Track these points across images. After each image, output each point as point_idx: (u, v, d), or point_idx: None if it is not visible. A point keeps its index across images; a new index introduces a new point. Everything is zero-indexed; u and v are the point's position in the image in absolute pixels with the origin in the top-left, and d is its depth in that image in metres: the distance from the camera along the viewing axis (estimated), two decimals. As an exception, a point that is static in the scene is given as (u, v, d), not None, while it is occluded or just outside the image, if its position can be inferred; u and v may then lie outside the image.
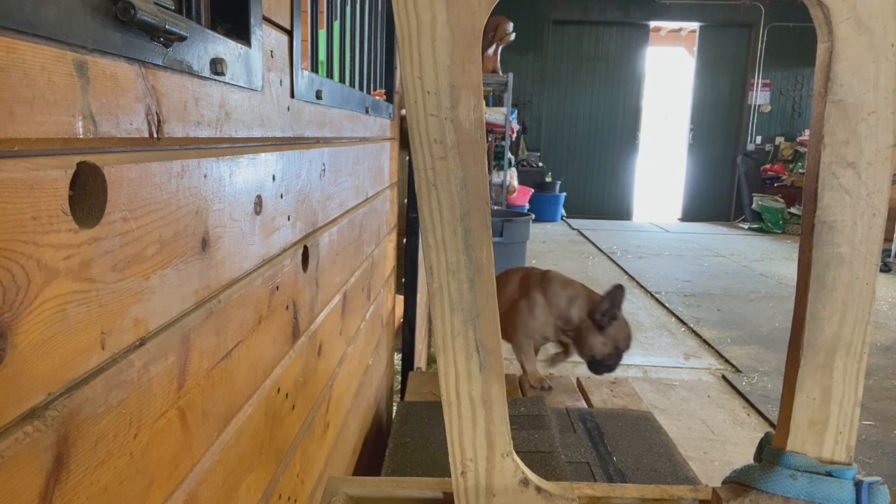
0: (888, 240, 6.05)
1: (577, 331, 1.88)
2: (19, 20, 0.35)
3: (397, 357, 2.32)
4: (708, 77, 9.46)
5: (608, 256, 6.24)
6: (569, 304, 1.87)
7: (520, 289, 1.94)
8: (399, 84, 2.06)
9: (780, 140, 9.36)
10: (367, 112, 1.49)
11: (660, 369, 3.26)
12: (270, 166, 0.80)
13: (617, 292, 1.80)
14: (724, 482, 0.64)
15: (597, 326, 1.84)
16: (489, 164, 5.42)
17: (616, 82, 9.51)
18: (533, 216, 4.24)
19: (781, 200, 8.60)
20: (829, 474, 0.58)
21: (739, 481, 0.62)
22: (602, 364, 1.90)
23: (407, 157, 1.90)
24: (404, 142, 2.12)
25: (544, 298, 1.90)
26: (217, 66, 0.62)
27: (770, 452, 0.61)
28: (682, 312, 4.27)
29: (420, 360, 2.63)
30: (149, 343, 0.51)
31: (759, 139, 9.41)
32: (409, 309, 2.28)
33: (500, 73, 4.58)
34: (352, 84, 1.54)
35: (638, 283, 5.02)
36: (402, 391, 2.01)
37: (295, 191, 0.91)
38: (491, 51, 4.48)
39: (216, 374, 0.65)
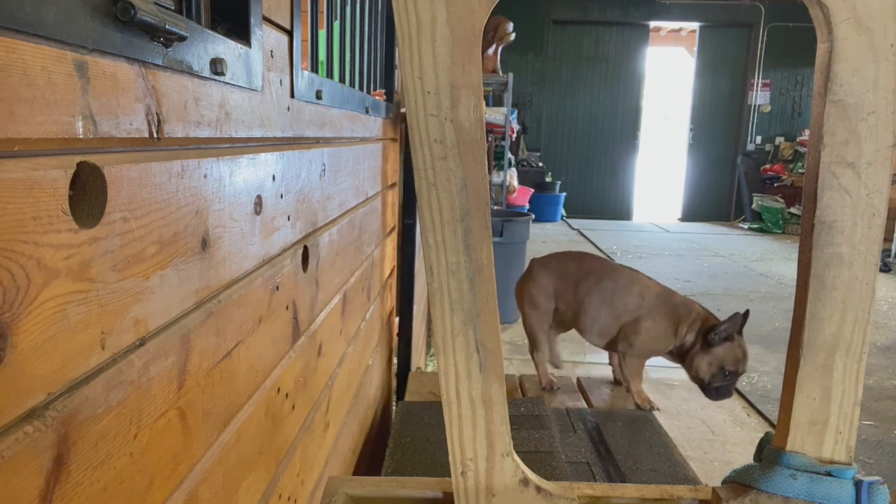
0: (888, 240, 6.05)
1: (686, 352, 1.83)
2: (19, 20, 0.35)
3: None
4: (708, 77, 9.46)
5: (608, 256, 6.25)
6: (689, 329, 1.82)
7: (638, 299, 1.88)
8: (399, 84, 2.06)
9: (780, 140, 9.36)
10: (367, 112, 1.49)
11: (660, 369, 3.26)
12: (270, 166, 0.80)
13: (737, 317, 1.74)
14: (724, 482, 0.64)
15: (705, 345, 1.78)
16: (489, 164, 5.42)
17: (616, 82, 9.51)
18: (533, 216, 4.23)
19: (781, 200, 8.60)
20: (828, 474, 0.58)
21: (739, 481, 0.62)
22: (710, 387, 1.81)
23: (402, 157, 1.88)
24: (404, 141, 2.12)
25: (671, 325, 1.84)
26: (217, 66, 0.62)
27: (770, 452, 0.61)
28: (682, 312, 4.26)
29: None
30: (149, 343, 0.51)
31: (759, 139, 9.40)
32: (405, 322, 2.18)
33: (500, 73, 4.58)
34: (352, 84, 1.54)
35: (638, 283, 5.00)
36: (399, 396, 2.01)
37: (295, 191, 0.91)
38: (491, 51, 4.48)
39: (216, 374, 0.65)
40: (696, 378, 1.82)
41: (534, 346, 2.06)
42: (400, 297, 2.17)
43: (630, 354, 1.89)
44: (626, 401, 1.96)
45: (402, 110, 2.09)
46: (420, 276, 2.29)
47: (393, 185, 1.98)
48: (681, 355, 1.86)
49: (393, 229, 2.02)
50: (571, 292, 1.96)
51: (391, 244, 2.01)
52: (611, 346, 1.96)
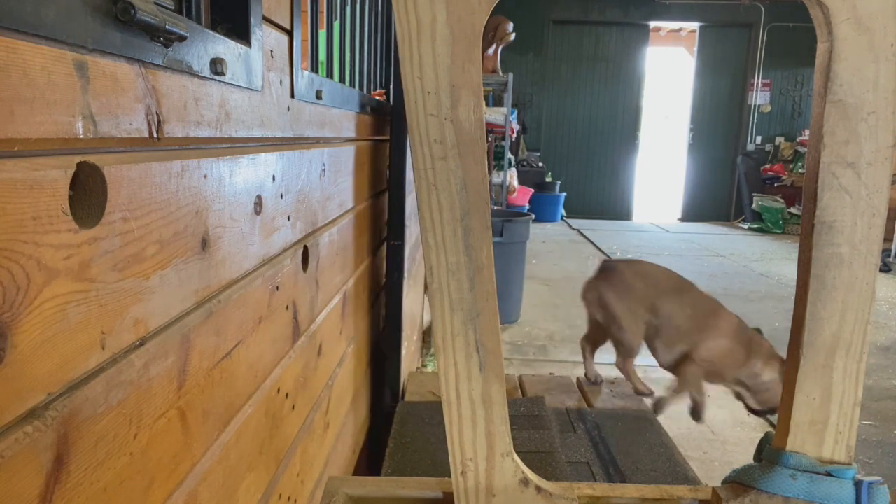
0: (888, 240, 6.05)
1: (760, 384, 1.93)
2: (19, 20, 0.35)
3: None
4: (708, 77, 9.45)
5: (608, 257, 6.24)
6: (764, 366, 1.91)
7: (715, 329, 1.92)
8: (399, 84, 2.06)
9: (780, 140, 9.35)
10: (367, 112, 1.49)
11: (660, 369, 3.26)
12: (270, 166, 0.80)
13: None
14: (724, 482, 0.64)
15: None
16: (489, 164, 5.42)
17: (616, 82, 9.51)
18: (533, 216, 4.23)
19: (781, 200, 8.59)
20: (828, 474, 0.58)
21: (739, 481, 0.62)
22: (773, 412, 1.99)
23: (388, 163, 1.84)
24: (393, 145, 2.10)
25: (745, 357, 1.91)
26: (217, 66, 0.62)
27: (770, 452, 0.61)
28: (682, 312, 4.25)
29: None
30: (149, 343, 0.51)
31: (759, 139, 9.40)
32: (393, 369, 1.83)
33: (500, 73, 4.58)
34: (352, 84, 1.54)
35: (638, 283, 5.00)
36: (399, 396, 2.01)
37: (295, 191, 0.91)
38: (491, 51, 4.48)
39: (216, 374, 0.65)
40: (761, 406, 1.96)
41: (629, 354, 2.02)
42: (386, 339, 1.91)
43: (693, 362, 1.92)
44: (625, 401, 1.96)
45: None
46: (407, 318, 2.10)
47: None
48: (754, 388, 1.95)
49: (393, 229, 2.02)
50: (657, 307, 1.98)
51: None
52: (674, 369, 2.00)
